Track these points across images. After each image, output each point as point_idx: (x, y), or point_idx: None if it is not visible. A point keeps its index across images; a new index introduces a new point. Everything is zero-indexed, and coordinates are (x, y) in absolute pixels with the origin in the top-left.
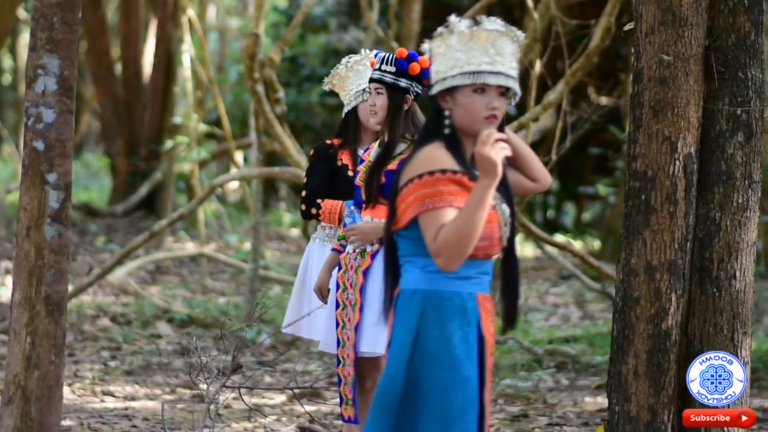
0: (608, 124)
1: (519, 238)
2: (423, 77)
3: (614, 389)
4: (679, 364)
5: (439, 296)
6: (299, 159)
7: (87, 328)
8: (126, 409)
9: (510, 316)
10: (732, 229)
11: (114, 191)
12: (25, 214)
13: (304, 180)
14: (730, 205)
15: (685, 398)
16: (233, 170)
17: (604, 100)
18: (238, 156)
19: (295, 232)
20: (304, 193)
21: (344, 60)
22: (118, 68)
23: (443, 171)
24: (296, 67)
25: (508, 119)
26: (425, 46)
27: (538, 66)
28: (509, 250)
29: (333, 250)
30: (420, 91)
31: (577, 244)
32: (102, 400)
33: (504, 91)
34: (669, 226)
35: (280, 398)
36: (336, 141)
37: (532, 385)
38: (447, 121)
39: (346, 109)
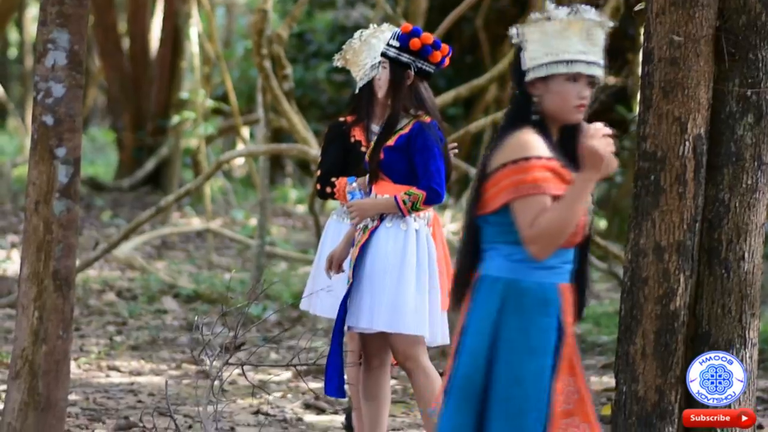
0: (615, 104)
1: None
2: (425, 53)
3: (622, 369)
4: (686, 345)
5: (521, 286)
6: (306, 135)
7: (93, 303)
8: (131, 384)
9: (579, 305)
10: (741, 211)
11: (120, 166)
12: (34, 189)
13: (319, 160)
14: (739, 187)
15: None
16: (240, 146)
17: (611, 80)
18: (245, 132)
19: (301, 208)
20: (318, 173)
21: (357, 34)
22: (126, 43)
23: (538, 157)
24: (303, 44)
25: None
26: (514, 30)
27: None
28: (586, 237)
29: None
30: (428, 69)
31: None
32: (107, 375)
33: (591, 80)
34: (678, 206)
35: (285, 375)
36: (349, 117)
37: None
38: (535, 108)
39: (360, 84)
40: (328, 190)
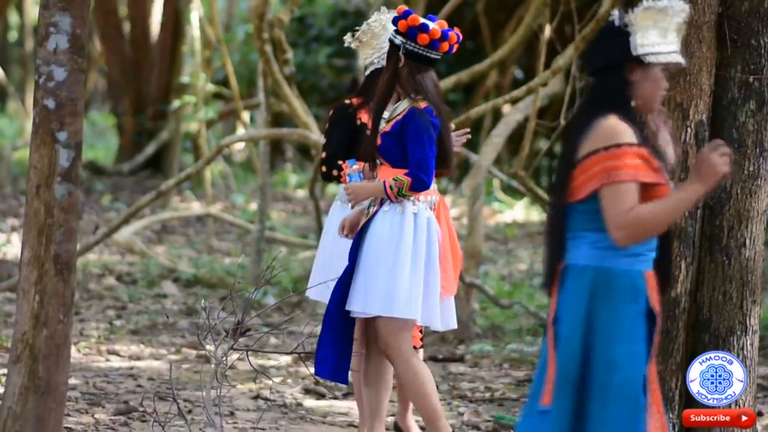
0: None
1: (525, 202)
2: (412, 35)
3: None
4: (687, 331)
5: (609, 273)
6: (307, 120)
7: (93, 287)
8: (131, 368)
9: (664, 285)
10: (742, 197)
11: (120, 150)
12: (35, 173)
13: (324, 142)
14: (740, 173)
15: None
16: (240, 130)
17: None
18: (245, 116)
19: (302, 193)
20: (324, 155)
21: (375, 16)
22: (126, 27)
23: (630, 144)
24: (304, 28)
25: (515, 83)
26: (618, 13)
27: (547, 31)
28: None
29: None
30: (419, 52)
31: None
32: (107, 360)
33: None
34: None
35: (285, 360)
36: (356, 100)
37: (537, 349)
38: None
39: (372, 67)
40: (335, 172)
